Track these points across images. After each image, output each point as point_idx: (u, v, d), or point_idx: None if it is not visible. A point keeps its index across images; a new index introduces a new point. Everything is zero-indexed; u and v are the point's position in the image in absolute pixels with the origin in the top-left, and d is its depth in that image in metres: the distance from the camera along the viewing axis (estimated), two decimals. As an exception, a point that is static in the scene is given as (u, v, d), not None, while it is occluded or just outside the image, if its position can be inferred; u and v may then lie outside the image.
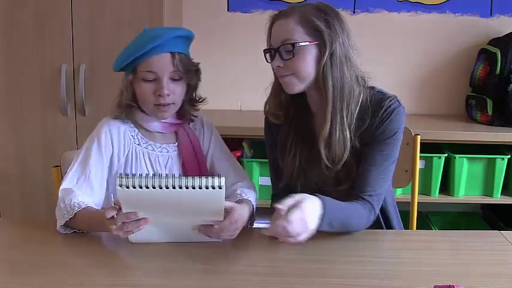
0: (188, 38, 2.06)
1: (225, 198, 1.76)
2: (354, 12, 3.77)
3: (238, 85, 3.83)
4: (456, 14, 3.80)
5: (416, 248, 1.79)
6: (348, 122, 1.92)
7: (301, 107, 2.05)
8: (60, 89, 3.15)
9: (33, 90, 3.20)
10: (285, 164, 2.07)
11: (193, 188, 1.61)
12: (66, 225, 1.86)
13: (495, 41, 3.63)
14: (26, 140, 3.26)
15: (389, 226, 2.13)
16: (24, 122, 3.24)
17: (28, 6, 3.10)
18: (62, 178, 2.15)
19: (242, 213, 1.83)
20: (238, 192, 2.02)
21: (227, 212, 1.76)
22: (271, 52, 1.94)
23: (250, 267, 1.71)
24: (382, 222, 2.11)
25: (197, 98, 2.16)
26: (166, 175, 1.64)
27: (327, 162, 1.95)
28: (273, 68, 1.98)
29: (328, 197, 1.79)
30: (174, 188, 1.61)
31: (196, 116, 2.19)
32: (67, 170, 2.17)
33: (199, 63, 2.10)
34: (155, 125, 2.09)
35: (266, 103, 2.11)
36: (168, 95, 1.99)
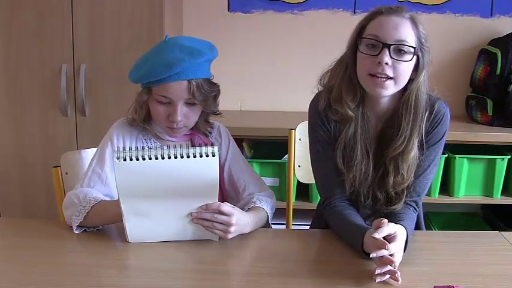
0: (210, 60, 2.00)
1: (242, 206, 1.87)
2: (355, 13, 3.77)
3: (238, 85, 3.84)
4: (456, 14, 3.80)
5: (416, 248, 1.78)
6: (418, 138, 1.90)
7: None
8: (60, 89, 3.15)
9: (34, 90, 3.20)
10: (350, 166, 1.94)
11: (188, 156, 1.67)
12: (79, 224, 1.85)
13: (495, 42, 3.63)
14: (26, 140, 3.26)
15: (417, 226, 2.09)
16: (25, 122, 3.24)
17: (28, 6, 3.10)
18: (62, 178, 2.15)
19: (241, 216, 1.82)
20: (254, 199, 2.01)
21: (227, 215, 1.76)
22: (379, 45, 1.80)
23: (249, 267, 1.72)
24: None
25: (213, 110, 2.10)
26: (162, 146, 1.68)
27: (393, 179, 1.91)
28: (360, 63, 1.87)
29: (404, 221, 1.80)
30: (169, 157, 1.67)
31: (210, 133, 2.16)
32: (67, 170, 2.17)
33: (218, 86, 2.04)
34: (168, 137, 2.08)
35: (322, 97, 1.97)
36: (181, 120, 1.97)
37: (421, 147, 1.91)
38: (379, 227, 1.63)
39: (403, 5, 1.87)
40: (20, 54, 3.17)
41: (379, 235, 1.59)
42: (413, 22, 1.83)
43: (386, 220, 1.65)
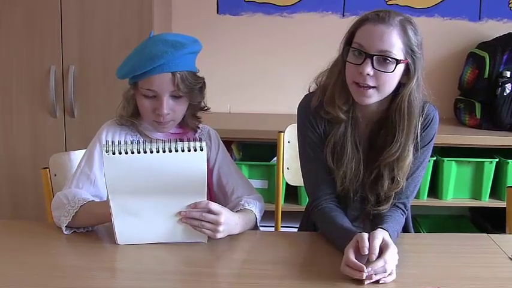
0: (194, 53, 2.01)
1: (231, 209, 1.87)
2: (344, 16, 3.78)
3: (228, 87, 3.84)
4: (445, 18, 3.82)
5: (404, 251, 1.78)
6: (413, 143, 1.90)
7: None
8: (49, 90, 3.14)
9: (22, 91, 3.19)
10: (340, 164, 1.94)
11: (176, 150, 1.69)
12: (67, 225, 1.84)
13: (484, 45, 3.64)
14: (14, 141, 3.25)
15: (405, 228, 2.10)
16: (13, 123, 3.23)
17: (17, 7, 3.09)
18: (51, 180, 2.14)
19: (229, 216, 1.82)
20: (242, 202, 2.01)
21: (216, 214, 1.76)
22: (362, 55, 1.80)
23: (238, 269, 1.72)
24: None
25: (201, 106, 2.11)
26: (151, 140, 1.68)
27: (387, 184, 1.91)
28: (346, 70, 1.86)
29: (388, 223, 1.80)
30: (158, 151, 1.68)
31: (199, 127, 2.16)
32: (56, 172, 2.16)
33: (203, 78, 2.05)
34: (158, 135, 2.07)
35: (316, 95, 1.96)
36: (168, 113, 1.97)
37: (415, 151, 1.91)
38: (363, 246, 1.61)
39: (393, 10, 1.85)
40: (9, 55, 3.16)
41: (375, 256, 1.58)
42: (403, 29, 1.81)
43: (365, 238, 1.63)
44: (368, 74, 1.78)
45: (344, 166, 1.93)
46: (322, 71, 2.00)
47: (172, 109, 1.98)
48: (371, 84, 1.79)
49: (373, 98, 1.83)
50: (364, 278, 1.54)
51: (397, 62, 1.78)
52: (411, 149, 1.89)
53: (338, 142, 1.94)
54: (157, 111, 1.96)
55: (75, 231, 1.87)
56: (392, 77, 1.81)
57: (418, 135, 1.90)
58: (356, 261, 1.57)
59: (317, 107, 1.95)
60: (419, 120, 1.90)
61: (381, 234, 1.65)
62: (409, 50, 1.82)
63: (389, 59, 1.78)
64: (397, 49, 1.79)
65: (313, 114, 1.97)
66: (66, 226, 1.84)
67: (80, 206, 1.84)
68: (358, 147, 1.95)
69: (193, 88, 2.00)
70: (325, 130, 1.97)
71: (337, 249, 1.77)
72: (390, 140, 1.89)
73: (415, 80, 1.84)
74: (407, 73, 1.84)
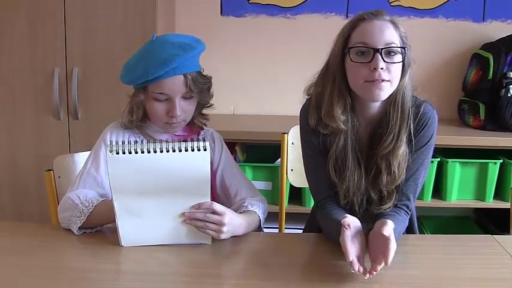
0: (200, 53, 2.02)
1: (234, 211, 1.87)
2: (347, 17, 3.78)
3: (231, 89, 3.85)
4: (449, 19, 3.82)
5: (407, 252, 1.78)
6: (406, 133, 1.90)
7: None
8: (53, 92, 3.14)
9: (26, 93, 3.20)
10: (342, 177, 1.93)
11: (180, 150, 1.70)
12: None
13: (488, 46, 3.64)
14: (18, 143, 3.26)
15: (411, 229, 2.10)
16: (17, 125, 3.24)
17: (21, 9, 3.10)
18: (55, 182, 2.14)
19: (233, 217, 1.82)
20: (245, 204, 2.01)
21: (219, 214, 1.76)
22: (370, 52, 1.81)
23: (241, 271, 1.72)
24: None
25: (208, 101, 2.12)
26: (154, 141, 1.73)
27: (386, 178, 1.91)
28: (353, 72, 1.85)
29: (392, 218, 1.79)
30: (161, 151, 1.70)
31: (206, 125, 2.17)
32: (60, 174, 2.16)
33: (210, 77, 2.07)
34: (163, 136, 2.08)
35: (312, 114, 1.96)
36: (180, 115, 1.99)
37: (409, 143, 1.91)
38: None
39: (382, 9, 1.88)
40: (12, 58, 3.17)
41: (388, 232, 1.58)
42: (394, 24, 1.85)
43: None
44: (382, 68, 1.79)
45: (346, 179, 1.93)
46: (312, 83, 2.00)
47: (184, 110, 2.00)
48: (386, 78, 1.81)
49: (387, 91, 1.84)
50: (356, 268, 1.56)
51: (402, 52, 1.82)
52: (404, 138, 1.89)
53: (339, 156, 1.94)
54: (170, 113, 1.97)
55: (84, 232, 1.87)
56: (398, 66, 1.84)
57: (411, 125, 1.90)
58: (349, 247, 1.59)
59: (316, 125, 1.95)
60: (412, 115, 1.91)
61: (390, 225, 1.63)
62: (403, 43, 1.85)
63: (395, 50, 1.81)
64: (397, 40, 1.83)
65: (313, 129, 1.97)
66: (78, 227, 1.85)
67: (95, 206, 1.85)
68: (359, 161, 1.95)
69: (203, 88, 2.02)
70: (324, 140, 1.96)
71: (335, 242, 1.74)
72: (384, 133, 1.90)
73: (408, 72, 1.88)
74: (402, 66, 1.87)
